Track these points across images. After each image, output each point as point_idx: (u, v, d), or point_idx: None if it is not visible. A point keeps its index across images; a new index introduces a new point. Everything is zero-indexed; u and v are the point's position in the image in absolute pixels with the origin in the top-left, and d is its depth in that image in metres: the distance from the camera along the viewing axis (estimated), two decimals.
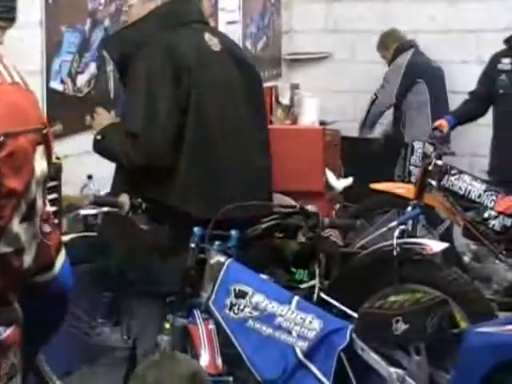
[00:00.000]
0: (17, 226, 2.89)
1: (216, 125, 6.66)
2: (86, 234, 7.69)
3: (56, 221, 3.57)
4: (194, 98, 6.57)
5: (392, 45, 12.79)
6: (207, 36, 6.92)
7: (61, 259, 3.27)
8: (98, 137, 6.70)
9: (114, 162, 6.87)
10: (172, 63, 6.53)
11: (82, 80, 9.93)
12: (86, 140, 7.21)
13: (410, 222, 8.77)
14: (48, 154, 3.06)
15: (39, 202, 3.00)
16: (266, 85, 12.92)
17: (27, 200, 2.93)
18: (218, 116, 6.71)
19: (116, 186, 6.98)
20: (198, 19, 7.05)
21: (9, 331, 2.99)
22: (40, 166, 2.98)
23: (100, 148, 6.75)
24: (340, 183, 10.86)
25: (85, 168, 8.56)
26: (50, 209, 3.35)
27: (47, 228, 3.16)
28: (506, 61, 10.93)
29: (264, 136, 7.26)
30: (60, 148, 8.33)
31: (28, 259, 2.99)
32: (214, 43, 6.88)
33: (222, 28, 11.16)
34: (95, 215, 7.66)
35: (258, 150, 7.04)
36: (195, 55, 6.72)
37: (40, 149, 2.97)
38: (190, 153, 6.47)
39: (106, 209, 7.67)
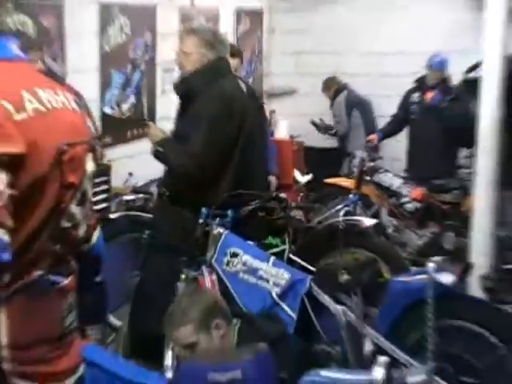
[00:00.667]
0: (74, 208, 2.93)
1: (251, 148, 6.67)
2: (128, 213, 7.68)
3: (95, 207, 3.61)
4: (242, 130, 6.58)
5: (332, 87, 12.92)
6: (239, 82, 7.02)
7: (96, 234, 3.37)
8: (160, 148, 6.60)
9: (168, 168, 6.81)
10: (226, 104, 6.52)
11: (125, 107, 9.94)
12: (127, 148, 7.16)
13: (352, 205, 8.77)
14: (95, 158, 3.12)
15: (89, 193, 3.02)
16: None
17: (81, 190, 2.94)
18: (252, 141, 6.69)
19: (165, 180, 6.94)
20: (230, 71, 7.04)
21: (67, 280, 2.98)
22: (89, 167, 2.99)
23: (159, 156, 6.64)
24: (303, 178, 11.33)
25: (126, 168, 8.53)
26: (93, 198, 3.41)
27: (89, 212, 3.23)
28: (415, 95, 11.07)
29: (266, 149, 7.37)
30: (110, 154, 8.41)
31: (81, 232, 3.03)
32: (243, 87, 6.95)
33: (159, 72, 11.13)
34: (133, 200, 7.70)
35: (266, 162, 7.23)
36: (238, 97, 6.71)
37: (89, 155, 2.99)
38: (234, 170, 6.50)
39: (141, 195, 7.72)
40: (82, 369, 3.20)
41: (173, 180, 6.79)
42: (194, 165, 6.38)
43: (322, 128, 13.08)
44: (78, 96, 6.38)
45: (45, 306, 2.94)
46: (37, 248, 2.84)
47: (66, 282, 3.00)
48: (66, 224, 2.94)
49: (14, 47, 3.00)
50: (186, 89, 6.79)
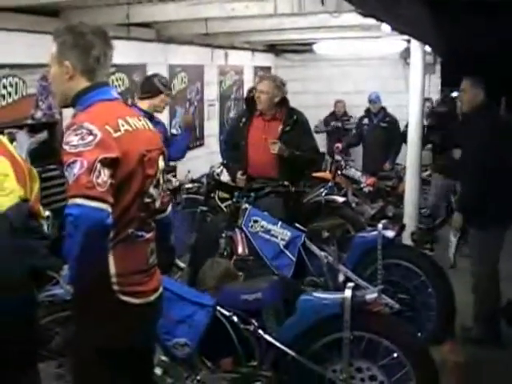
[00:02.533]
0: (152, 190, 2.97)
1: None
2: (188, 195, 7.73)
3: (168, 192, 3.62)
4: None
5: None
6: None
7: (169, 209, 3.39)
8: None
9: None
10: None
11: None
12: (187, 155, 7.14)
13: (329, 189, 8.75)
14: (164, 157, 3.16)
15: (161, 181, 3.04)
16: None
17: (156, 179, 2.98)
18: None
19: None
20: None
21: (149, 235, 3.02)
22: (161, 164, 3.04)
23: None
24: None
25: (186, 167, 8.56)
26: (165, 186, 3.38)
27: (163, 193, 3.26)
28: (365, 120, 10.98)
29: None
30: None
31: (157, 204, 3.05)
32: None
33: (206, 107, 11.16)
34: (191, 187, 7.71)
35: None
36: None
37: (161, 157, 3.03)
38: None
39: (196, 184, 7.72)
40: (161, 289, 3.25)
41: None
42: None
43: None
44: (159, 123, 6.40)
45: (135, 250, 3.00)
46: (130, 215, 2.93)
47: (147, 236, 3.06)
48: (147, 200, 3.01)
49: (114, 92, 3.10)
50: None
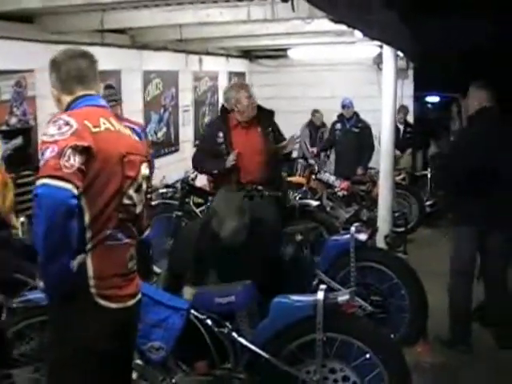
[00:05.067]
0: (132, 193, 2.99)
1: None
2: (163, 201, 7.74)
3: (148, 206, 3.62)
4: None
5: None
6: None
7: (148, 230, 3.39)
8: None
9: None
10: None
11: (159, 134, 9.98)
12: (162, 160, 7.16)
13: (304, 193, 8.79)
14: (150, 167, 3.16)
15: (143, 186, 3.08)
16: None
17: (137, 183, 3.02)
18: None
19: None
20: None
21: (129, 239, 3.04)
22: (144, 171, 3.07)
23: None
24: None
25: (162, 172, 8.58)
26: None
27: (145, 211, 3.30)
28: (338, 125, 10.99)
29: None
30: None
31: (138, 210, 3.06)
32: None
33: (180, 112, 11.14)
34: (166, 192, 7.72)
35: None
36: None
37: (144, 164, 3.07)
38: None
39: (170, 189, 7.69)
40: (139, 295, 3.27)
41: None
42: None
43: None
44: (142, 129, 6.42)
45: (114, 253, 3.02)
46: (107, 214, 2.96)
47: (127, 240, 3.09)
48: (126, 201, 3.05)
49: (102, 101, 3.20)
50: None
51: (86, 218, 2.90)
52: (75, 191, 2.77)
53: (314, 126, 12.75)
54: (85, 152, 2.85)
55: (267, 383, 4.25)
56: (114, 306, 3.03)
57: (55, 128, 2.86)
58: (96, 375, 3.03)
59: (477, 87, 5.93)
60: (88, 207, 2.89)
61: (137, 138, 3.26)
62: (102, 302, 2.99)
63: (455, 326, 5.97)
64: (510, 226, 5.86)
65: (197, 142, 10.93)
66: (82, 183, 2.84)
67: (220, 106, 6.87)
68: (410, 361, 4.54)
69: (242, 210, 5.59)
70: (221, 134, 6.39)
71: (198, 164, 6.69)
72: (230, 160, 6.22)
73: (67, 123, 2.88)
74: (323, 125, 12.74)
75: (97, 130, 2.96)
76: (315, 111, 12.71)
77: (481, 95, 5.89)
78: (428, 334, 5.75)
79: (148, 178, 3.26)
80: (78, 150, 2.82)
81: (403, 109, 11.95)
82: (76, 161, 2.80)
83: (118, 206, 3.01)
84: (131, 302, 3.15)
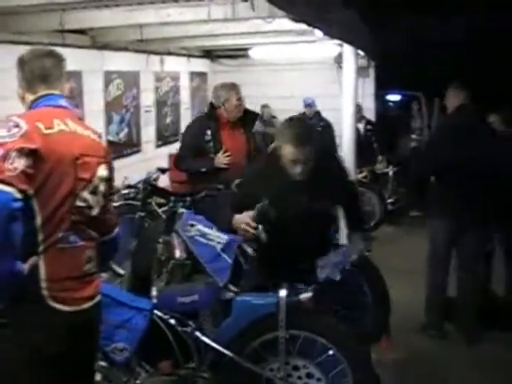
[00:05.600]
0: (86, 195, 2.95)
1: None
2: (125, 202, 7.71)
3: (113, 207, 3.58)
4: None
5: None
6: None
7: (116, 229, 3.34)
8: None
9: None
10: None
11: (120, 136, 9.95)
12: (124, 161, 7.12)
13: None
14: (109, 168, 3.14)
15: (101, 188, 3.04)
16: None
17: (93, 185, 2.98)
18: None
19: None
20: None
21: (84, 242, 3.01)
22: (101, 173, 3.04)
23: None
24: None
25: (123, 173, 8.53)
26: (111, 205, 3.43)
27: (109, 213, 3.29)
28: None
29: None
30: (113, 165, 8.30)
31: (94, 212, 3.03)
32: None
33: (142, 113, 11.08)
34: (128, 193, 7.68)
35: None
36: None
37: (102, 166, 3.04)
38: None
39: (132, 190, 7.65)
40: (98, 297, 3.25)
41: None
42: None
43: None
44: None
45: (68, 256, 2.98)
46: (59, 216, 2.93)
47: (82, 242, 3.05)
48: (80, 203, 3.01)
49: (62, 101, 3.16)
50: None
51: (38, 221, 2.87)
52: (17, 195, 2.73)
53: (262, 121, 12.76)
54: (32, 154, 2.81)
55: (231, 382, 4.26)
56: (67, 308, 2.99)
57: (5, 130, 2.84)
58: (50, 378, 2.99)
59: (454, 87, 6.15)
60: (39, 209, 2.86)
61: (96, 139, 3.22)
62: (55, 305, 2.95)
63: (429, 313, 6.26)
64: (483, 219, 6.03)
65: (176, 140, 10.98)
66: (30, 186, 2.80)
67: (208, 103, 6.91)
68: (374, 356, 4.58)
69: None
70: (209, 132, 6.42)
71: (184, 162, 6.61)
72: (221, 158, 6.22)
73: (17, 125, 2.85)
74: (273, 118, 12.75)
75: (49, 131, 2.92)
76: (263, 106, 12.69)
77: (458, 94, 6.12)
78: (391, 330, 5.79)
79: (108, 180, 3.21)
80: (23, 152, 2.78)
81: (357, 107, 12.00)
82: (21, 163, 2.76)
83: (70, 208, 2.97)
84: (87, 305, 3.11)
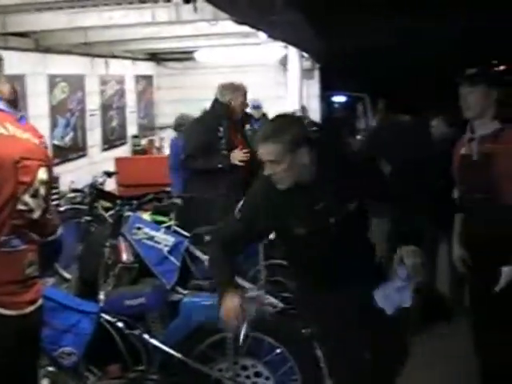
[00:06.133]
0: (27, 199, 2.90)
1: None
2: (72, 206, 7.66)
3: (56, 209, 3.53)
4: None
5: None
6: None
7: (60, 230, 3.23)
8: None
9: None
10: None
11: (66, 140, 9.85)
12: (69, 165, 7.07)
13: None
14: (49, 171, 3.05)
15: (41, 191, 2.99)
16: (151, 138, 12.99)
17: (33, 188, 2.93)
18: None
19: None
20: None
21: (26, 246, 2.96)
22: (41, 176, 2.98)
23: None
24: None
25: (69, 177, 8.47)
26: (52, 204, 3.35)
27: (51, 215, 3.19)
28: (247, 126, 10.81)
29: None
30: (58, 169, 8.27)
31: (36, 215, 2.98)
32: None
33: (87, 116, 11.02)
34: (74, 197, 7.63)
35: None
36: None
37: (42, 169, 2.99)
38: None
39: (78, 194, 7.60)
40: (40, 301, 3.21)
41: None
42: None
43: None
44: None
45: (9, 260, 2.94)
46: (0, 220, 2.85)
47: (24, 246, 3.01)
48: (21, 207, 2.94)
49: (0, 104, 3.09)
50: None
51: None
52: None
53: None
54: None
55: (181, 383, 4.27)
56: (9, 312, 2.96)
57: None
58: None
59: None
60: None
61: (36, 142, 3.16)
62: None
63: None
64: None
65: (123, 143, 10.91)
66: None
67: (213, 100, 6.68)
68: (321, 354, 4.62)
69: None
70: (221, 128, 6.29)
71: (195, 161, 6.33)
72: (238, 154, 6.18)
73: None
74: None
75: None
76: None
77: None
78: None
79: (48, 183, 3.17)
80: None
81: (302, 109, 12.12)
82: None
83: (11, 213, 2.92)
84: (29, 309, 3.07)
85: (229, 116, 6.41)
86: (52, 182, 3.19)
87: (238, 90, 6.51)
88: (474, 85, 4.22)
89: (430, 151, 6.00)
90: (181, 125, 8.53)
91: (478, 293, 4.59)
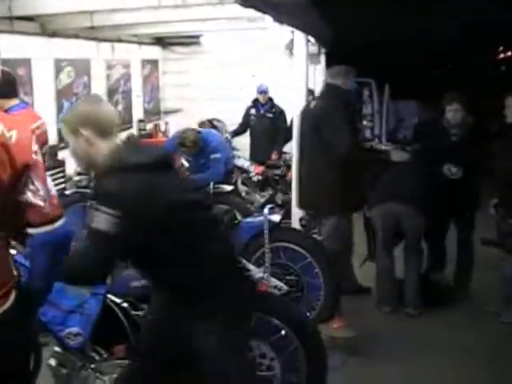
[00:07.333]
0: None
1: None
2: (77, 190, 7.69)
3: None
4: None
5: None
6: None
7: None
8: None
9: None
10: None
11: None
12: None
13: None
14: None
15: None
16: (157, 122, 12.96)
17: None
18: None
19: None
20: None
21: None
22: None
23: None
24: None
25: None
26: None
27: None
28: (252, 110, 11.09)
29: None
30: (64, 153, 8.26)
31: None
32: None
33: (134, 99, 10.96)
34: (80, 180, 7.63)
35: None
36: None
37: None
38: None
39: (84, 176, 7.61)
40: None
41: None
42: None
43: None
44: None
45: None
46: None
47: None
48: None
49: None
50: None
51: None
52: None
53: None
54: None
55: None
56: None
57: None
58: None
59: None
60: None
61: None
62: None
63: (379, 291, 6.67)
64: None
65: (128, 127, 10.85)
66: None
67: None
68: (325, 336, 4.67)
69: None
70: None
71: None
72: None
73: None
74: None
75: None
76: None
77: None
78: (342, 310, 5.89)
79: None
80: None
81: (309, 93, 12.08)
82: None
83: None
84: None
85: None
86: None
87: None
88: None
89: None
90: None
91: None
